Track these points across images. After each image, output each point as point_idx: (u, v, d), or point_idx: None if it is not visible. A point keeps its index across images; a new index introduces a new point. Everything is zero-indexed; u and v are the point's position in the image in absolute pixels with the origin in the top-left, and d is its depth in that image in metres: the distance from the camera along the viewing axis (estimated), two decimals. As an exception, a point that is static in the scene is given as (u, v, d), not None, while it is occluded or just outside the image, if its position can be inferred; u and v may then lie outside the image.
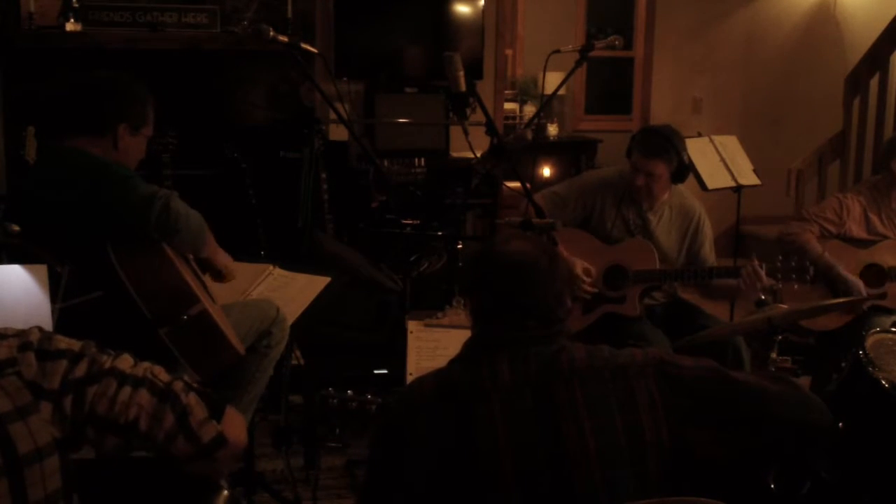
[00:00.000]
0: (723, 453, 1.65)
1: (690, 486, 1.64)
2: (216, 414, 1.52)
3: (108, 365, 1.46)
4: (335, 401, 2.07)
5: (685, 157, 3.36)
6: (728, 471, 1.80)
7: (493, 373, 1.61)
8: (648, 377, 1.62)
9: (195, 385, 1.54)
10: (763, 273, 3.22)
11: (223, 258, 2.65)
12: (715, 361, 1.71)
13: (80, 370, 1.43)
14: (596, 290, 3.36)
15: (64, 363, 1.42)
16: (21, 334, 1.44)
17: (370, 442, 1.71)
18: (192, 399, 1.50)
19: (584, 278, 3.32)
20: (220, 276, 2.66)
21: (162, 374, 1.51)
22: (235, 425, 1.56)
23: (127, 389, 1.45)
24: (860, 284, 3.53)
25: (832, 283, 3.59)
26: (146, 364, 1.52)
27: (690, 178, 3.61)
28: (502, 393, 1.59)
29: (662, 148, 3.31)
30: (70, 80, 2.58)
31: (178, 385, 1.51)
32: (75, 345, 1.47)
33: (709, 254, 3.49)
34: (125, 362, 1.49)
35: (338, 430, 3.51)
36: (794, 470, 2.17)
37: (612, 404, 1.58)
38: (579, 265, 3.33)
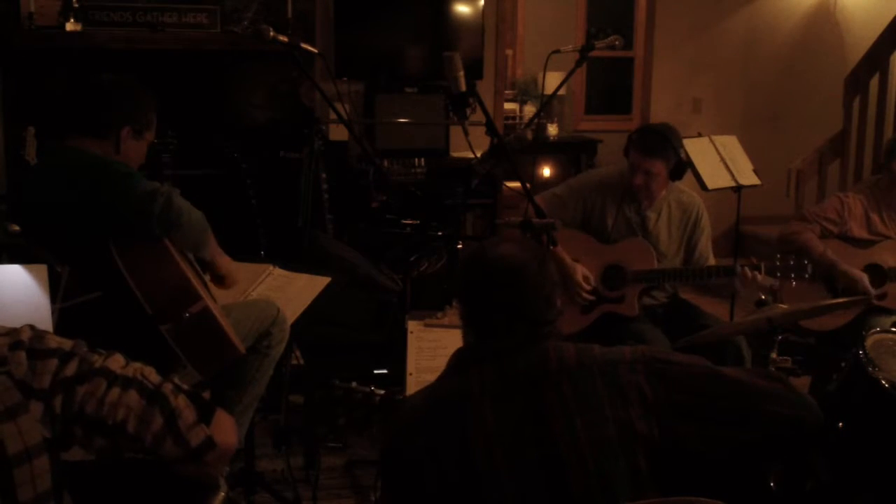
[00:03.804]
0: (714, 449, 1.65)
1: (683, 482, 1.65)
2: (205, 417, 1.51)
3: (98, 364, 1.45)
4: (341, 392, 2.08)
5: (683, 155, 3.37)
6: (726, 469, 1.80)
7: (482, 380, 1.62)
8: (638, 373, 1.62)
9: (185, 387, 1.53)
10: (759, 276, 3.24)
11: (226, 262, 2.65)
12: (707, 359, 1.71)
13: (70, 369, 1.42)
14: (593, 298, 3.37)
15: (54, 362, 1.42)
16: (12, 332, 1.43)
17: (379, 470, 1.73)
18: (181, 401, 1.49)
19: (584, 285, 3.34)
20: (221, 280, 2.67)
21: (152, 376, 1.50)
22: (225, 428, 1.55)
23: (116, 390, 1.44)
24: (864, 278, 3.53)
25: (834, 280, 3.60)
26: (137, 365, 1.51)
27: (690, 177, 3.61)
28: (493, 396, 1.60)
29: (660, 146, 3.32)
30: (76, 81, 2.59)
31: (168, 387, 1.50)
32: (66, 343, 1.46)
33: (705, 248, 3.51)
34: (116, 362, 1.48)
35: (342, 420, 3.50)
36: (795, 470, 2.16)
37: (603, 401, 1.59)
38: (579, 272, 3.35)
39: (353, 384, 2.09)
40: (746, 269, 3.24)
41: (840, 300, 3.31)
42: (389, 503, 1.69)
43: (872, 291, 3.53)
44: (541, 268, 1.71)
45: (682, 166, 3.39)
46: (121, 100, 2.53)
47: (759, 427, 1.65)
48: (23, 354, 1.40)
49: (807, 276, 3.28)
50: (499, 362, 1.63)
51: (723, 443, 1.65)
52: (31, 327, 1.46)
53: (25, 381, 1.38)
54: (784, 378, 1.74)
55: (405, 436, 1.66)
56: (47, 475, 1.38)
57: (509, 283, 1.68)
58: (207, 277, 2.65)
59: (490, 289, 1.69)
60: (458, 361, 1.71)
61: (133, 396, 1.45)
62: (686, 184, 3.58)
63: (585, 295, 3.35)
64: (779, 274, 3.30)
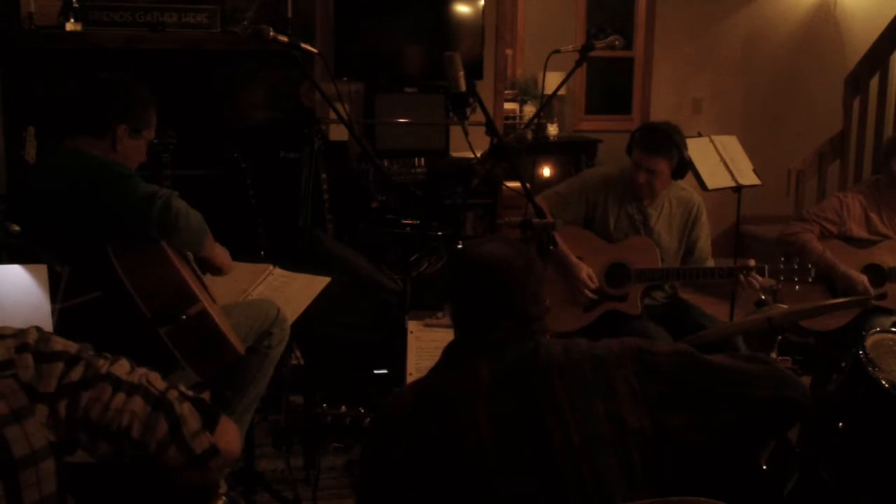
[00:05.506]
0: (705, 437, 1.65)
1: (675, 473, 1.65)
2: (210, 424, 1.51)
3: (104, 370, 1.45)
4: (329, 418, 2.08)
5: (685, 154, 3.38)
6: (719, 456, 1.80)
7: (473, 376, 1.62)
8: (626, 366, 1.63)
9: (190, 394, 1.53)
10: (760, 279, 3.25)
11: (221, 254, 2.65)
12: (691, 347, 1.72)
13: (76, 374, 1.42)
14: (597, 297, 3.38)
15: (60, 366, 1.41)
16: (19, 334, 1.43)
17: (360, 461, 1.72)
18: (185, 409, 1.49)
19: (588, 283, 3.34)
20: (218, 270, 2.67)
21: (157, 382, 1.50)
22: (229, 435, 1.55)
23: (121, 396, 1.44)
24: (864, 280, 3.53)
25: (834, 281, 3.60)
26: (142, 370, 1.51)
27: (690, 177, 3.62)
28: (484, 395, 1.60)
29: (663, 145, 3.33)
30: (71, 81, 2.59)
31: (173, 394, 1.50)
32: (72, 347, 1.45)
33: (705, 245, 3.52)
34: (121, 368, 1.48)
35: (342, 445, 3.49)
36: (785, 454, 2.16)
37: (593, 396, 1.59)
38: (584, 270, 3.35)
39: (343, 408, 2.08)
40: (751, 277, 3.25)
41: (840, 300, 3.31)
42: (369, 497, 1.67)
43: (873, 292, 3.54)
44: (525, 264, 1.72)
45: (684, 165, 3.40)
46: (116, 97, 2.53)
47: (747, 411, 1.66)
48: (29, 357, 1.40)
49: (810, 279, 3.29)
50: (489, 358, 1.63)
51: (713, 430, 1.65)
52: (38, 329, 1.46)
53: (32, 385, 1.38)
54: (768, 359, 1.75)
55: (391, 431, 1.65)
56: (52, 478, 1.38)
57: (493, 280, 1.69)
58: (206, 277, 2.65)
59: (475, 285, 1.70)
60: (448, 357, 1.71)
61: (138, 402, 1.45)
62: (686, 183, 3.58)
63: (589, 294, 3.36)
64: (782, 277, 3.31)
